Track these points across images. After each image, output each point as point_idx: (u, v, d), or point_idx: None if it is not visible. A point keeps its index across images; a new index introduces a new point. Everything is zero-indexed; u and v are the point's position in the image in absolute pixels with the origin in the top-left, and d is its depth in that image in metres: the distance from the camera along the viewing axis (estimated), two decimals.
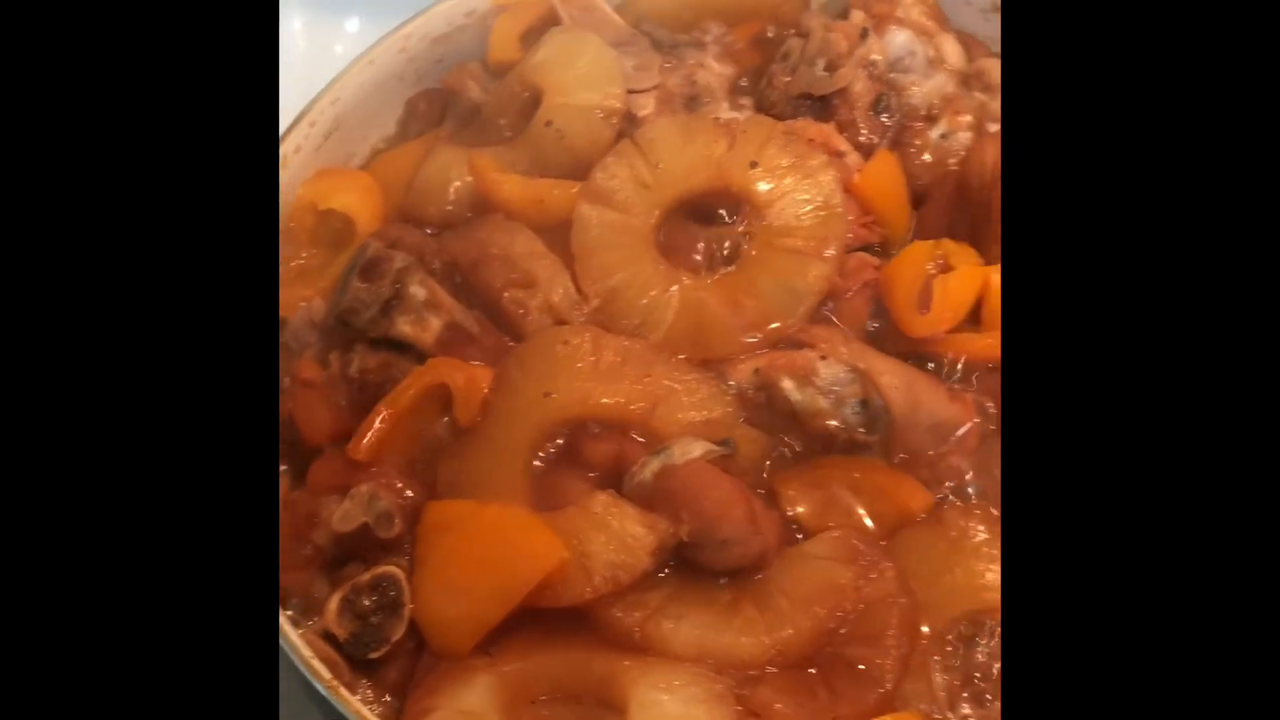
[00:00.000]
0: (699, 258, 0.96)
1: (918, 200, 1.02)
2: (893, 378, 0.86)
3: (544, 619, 0.81)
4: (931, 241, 0.92)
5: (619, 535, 0.80)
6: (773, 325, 0.91)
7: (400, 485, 0.87)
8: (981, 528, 0.81)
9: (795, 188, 0.94)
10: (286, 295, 1.00)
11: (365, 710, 0.76)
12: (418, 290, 0.92)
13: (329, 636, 0.82)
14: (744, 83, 1.12)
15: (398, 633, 0.81)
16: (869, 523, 0.85)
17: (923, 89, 1.06)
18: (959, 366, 0.91)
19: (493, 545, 0.80)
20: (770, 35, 1.16)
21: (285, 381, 0.95)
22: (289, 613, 0.82)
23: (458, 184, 1.02)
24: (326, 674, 0.76)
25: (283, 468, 0.94)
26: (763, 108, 1.09)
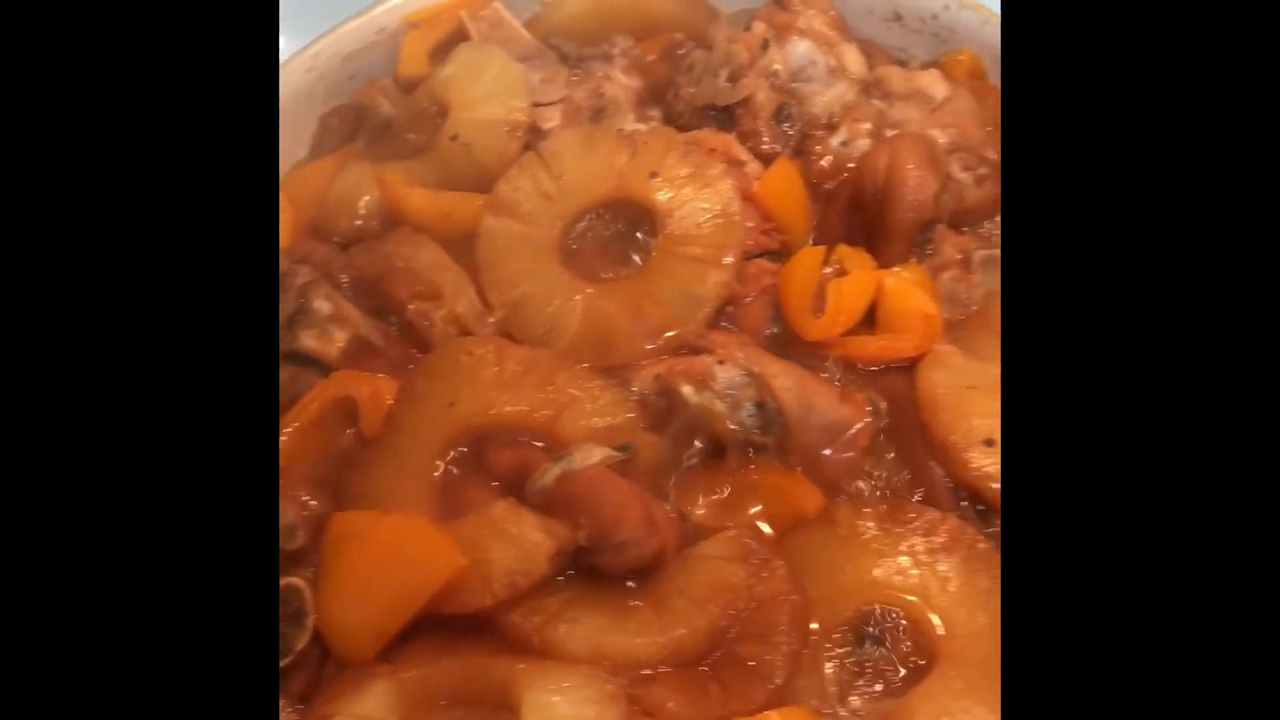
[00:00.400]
0: (603, 267, 0.99)
1: (820, 207, 1.04)
2: (786, 380, 0.88)
3: (446, 626, 0.82)
4: (823, 247, 0.95)
5: (517, 541, 0.81)
6: (673, 332, 0.93)
7: (305, 497, 0.88)
8: (871, 524, 0.83)
9: (694, 197, 0.96)
10: None
11: None
12: (322, 304, 0.93)
13: None
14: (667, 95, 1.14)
15: (301, 642, 0.82)
16: (763, 523, 0.86)
17: (824, 98, 1.08)
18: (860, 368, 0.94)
19: (392, 554, 0.81)
20: (679, 49, 1.18)
21: None
22: None
23: (368, 199, 1.04)
24: None
25: None
26: (670, 119, 1.11)
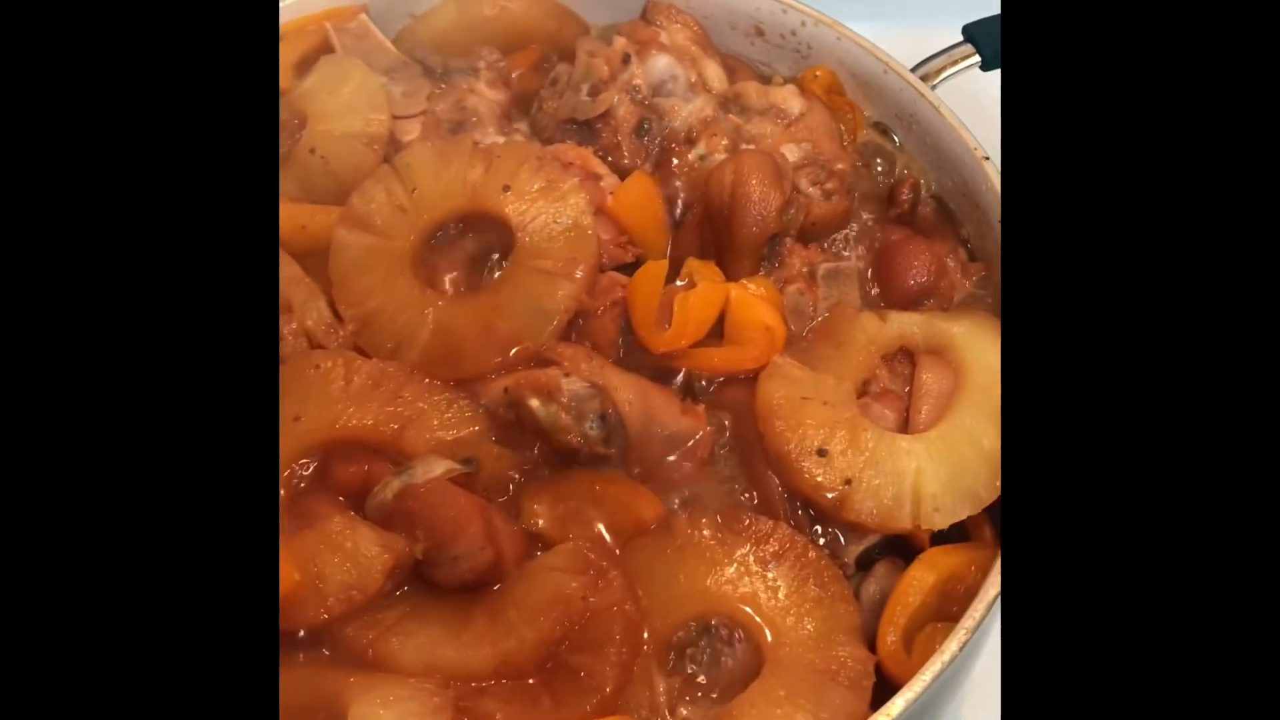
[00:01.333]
0: (460, 281, 0.99)
1: (678, 221, 1.06)
2: (627, 392, 0.89)
3: (282, 640, 0.82)
4: (664, 260, 0.96)
5: (353, 555, 0.82)
6: (521, 345, 0.94)
7: None
8: (706, 534, 0.85)
9: (546, 210, 0.97)
10: None
11: None
12: None
13: None
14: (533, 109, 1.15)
15: None
16: (605, 533, 0.87)
17: (683, 112, 1.09)
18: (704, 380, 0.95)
19: None
20: (545, 62, 1.19)
21: None
22: None
23: None
24: None
25: None
26: (536, 132, 1.12)
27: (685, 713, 0.80)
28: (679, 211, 1.06)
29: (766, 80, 1.17)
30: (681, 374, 0.96)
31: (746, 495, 0.90)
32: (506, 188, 0.98)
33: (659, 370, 0.95)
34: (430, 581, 0.84)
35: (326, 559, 0.82)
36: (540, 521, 0.88)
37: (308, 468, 0.90)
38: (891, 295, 1.00)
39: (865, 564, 0.88)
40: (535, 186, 0.98)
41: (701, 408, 0.91)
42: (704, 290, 0.95)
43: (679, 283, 0.98)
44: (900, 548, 0.88)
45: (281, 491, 0.88)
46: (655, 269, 0.95)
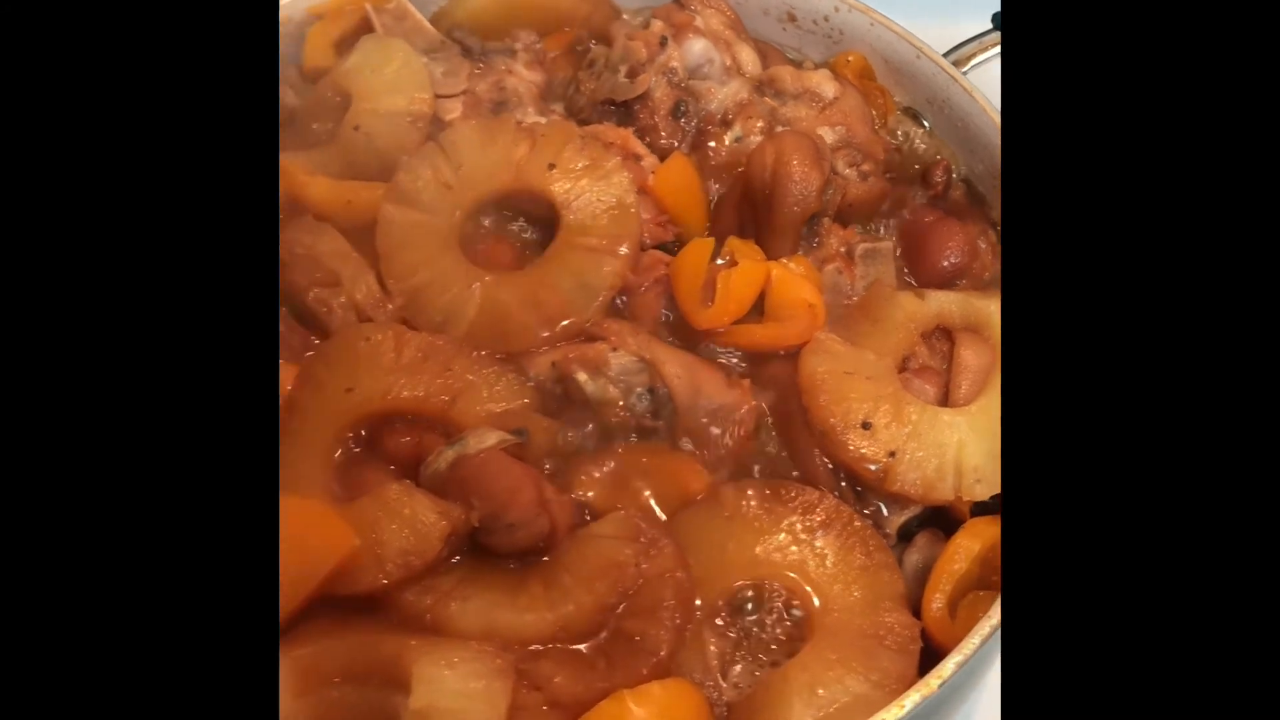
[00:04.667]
0: (504, 257, 1.01)
1: (715, 201, 1.08)
2: (675, 366, 0.91)
3: (340, 606, 0.84)
4: (712, 238, 0.98)
5: (411, 522, 0.83)
6: (568, 320, 0.96)
7: None
8: (754, 504, 0.87)
9: (591, 188, 0.99)
10: None
11: None
12: None
13: None
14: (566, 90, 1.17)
15: None
16: (654, 503, 0.89)
17: (719, 95, 1.11)
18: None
19: (287, 536, 0.82)
20: (582, 45, 1.21)
21: None
22: None
23: None
24: None
25: None
26: (571, 114, 1.13)
27: (736, 675, 0.82)
28: (715, 191, 1.08)
29: (797, 65, 1.18)
30: (718, 348, 0.98)
31: (789, 467, 0.92)
32: (551, 166, 1.00)
33: (698, 346, 0.97)
34: (485, 548, 0.86)
35: (385, 525, 0.84)
36: (590, 491, 0.90)
37: (359, 438, 0.92)
38: (923, 275, 1.03)
39: (905, 535, 0.90)
40: (580, 165, 1.00)
41: (747, 381, 0.93)
42: (746, 268, 0.97)
43: (719, 261, 1.00)
44: (939, 520, 0.91)
45: (334, 458, 0.90)
46: (701, 247, 0.97)
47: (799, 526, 0.86)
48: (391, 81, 1.06)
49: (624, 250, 0.97)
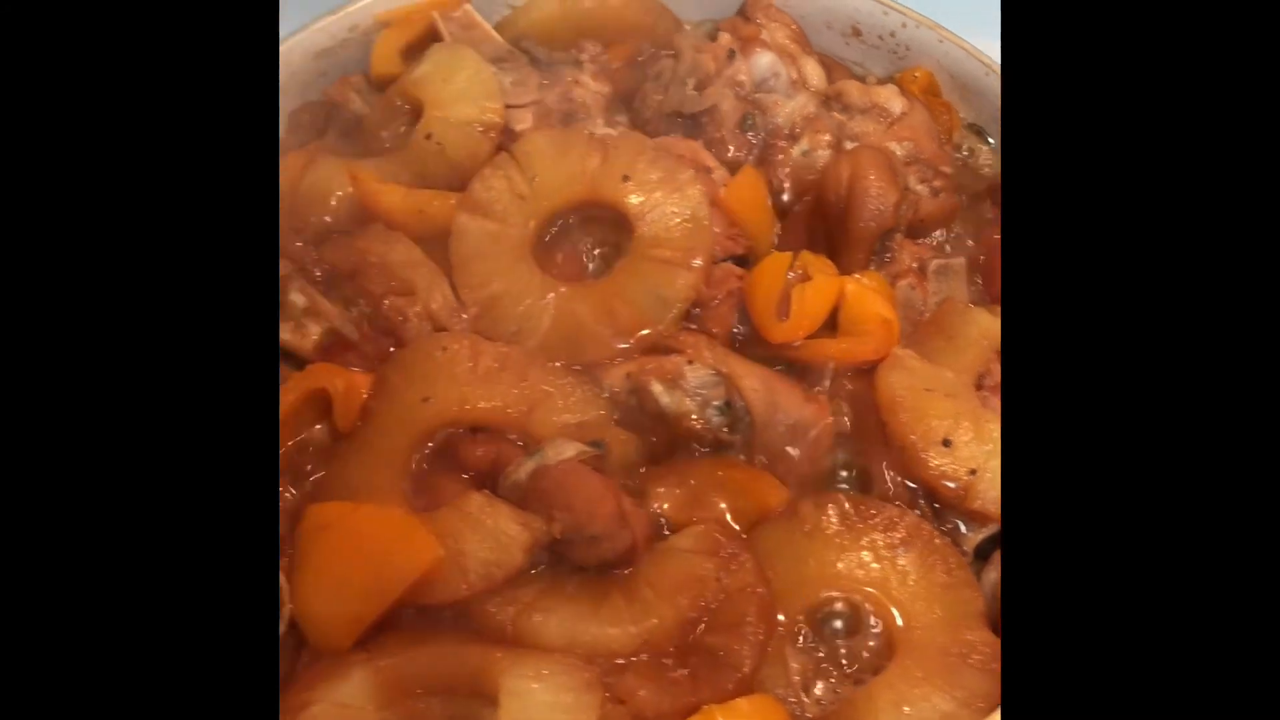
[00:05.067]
0: (576, 267, 1.01)
1: (782, 214, 1.08)
2: (753, 380, 0.91)
3: (421, 615, 0.84)
4: (789, 253, 0.98)
5: (493, 533, 0.83)
6: (643, 332, 0.96)
7: (280, 488, 0.89)
8: (834, 520, 0.87)
9: (665, 201, 0.99)
10: None
11: None
12: (297, 298, 0.94)
13: None
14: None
15: (279, 631, 0.83)
16: (730, 517, 0.89)
17: (786, 108, 1.11)
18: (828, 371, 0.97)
19: (370, 544, 0.83)
20: (644, 56, 1.21)
21: None
22: None
23: (339, 194, 1.04)
24: None
25: None
26: (637, 125, 1.13)
27: (819, 692, 0.82)
28: (783, 205, 1.09)
29: (860, 79, 1.19)
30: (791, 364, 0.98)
31: (863, 483, 0.92)
32: (626, 178, 1.00)
33: (770, 360, 0.97)
34: (565, 560, 0.86)
35: (467, 536, 0.84)
36: (665, 505, 0.90)
37: (434, 447, 0.92)
38: (998, 291, 1.03)
39: (981, 554, 0.90)
40: (654, 177, 1.00)
41: (824, 397, 0.93)
42: (820, 283, 0.97)
43: (790, 275, 1.00)
44: None
45: (410, 467, 0.90)
46: (778, 261, 0.97)
47: (880, 543, 0.86)
48: (462, 90, 1.06)
49: (697, 263, 0.97)
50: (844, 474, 0.93)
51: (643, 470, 0.93)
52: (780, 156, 1.09)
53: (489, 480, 0.90)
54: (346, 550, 0.83)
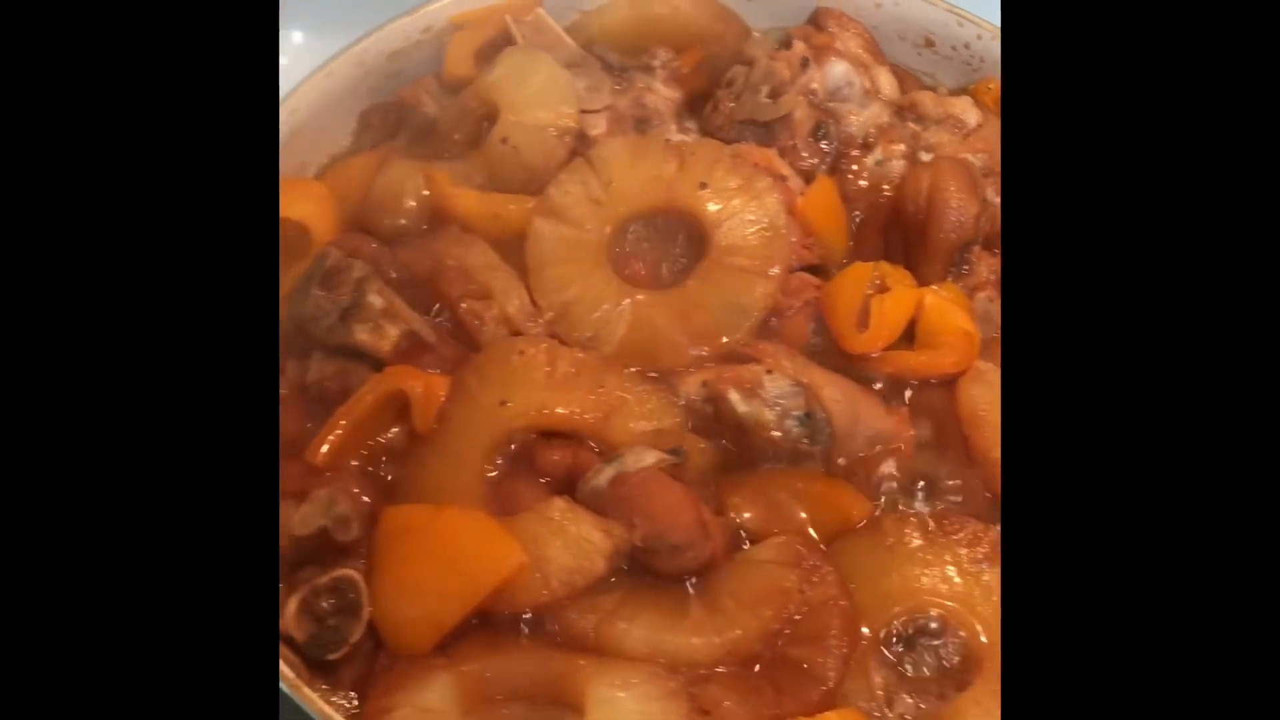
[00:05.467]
0: (649, 273, 1.01)
1: (855, 224, 1.07)
2: (835, 391, 0.91)
3: (499, 621, 0.84)
4: (870, 263, 0.97)
5: (575, 540, 0.83)
6: (720, 340, 0.95)
7: (357, 490, 0.89)
8: (916, 535, 0.86)
9: (743, 209, 0.99)
10: None
11: (329, 709, 0.77)
12: (376, 299, 0.94)
13: (285, 638, 0.83)
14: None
15: (357, 634, 0.83)
16: (811, 529, 0.89)
17: (859, 118, 1.11)
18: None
19: (452, 548, 0.83)
20: (712, 63, 1.20)
21: None
22: None
23: (412, 196, 1.04)
24: (290, 674, 0.78)
25: None
26: (707, 132, 1.13)
27: (902, 707, 0.82)
28: (856, 215, 1.08)
29: (932, 90, 1.18)
30: (875, 375, 0.97)
31: (949, 497, 0.91)
32: (703, 185, 1.00)
33: (848, 372, 0.97)
34: (645, 569, 0.85)
35: (549, 542, 0.83)
36: (745, 515, 0.89)
37: (510, 452, 0.91)
38: None
39: None
40: (732, 185, 1.00)
41: (904, 409, 0.92)
42: (899, 294, 0.96)
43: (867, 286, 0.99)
44: None
45: (487, 471, 0.89)
46: (860, 271, 0.96)
47: (964, 558, 0.85)
48: (537, 94, 1.06)
49: (775, 271, 0.97)
50: (924, 487, 0.92)
51: (718, 479, 0.92)
52: (854, 166, 1.09)
53: (565, 486, 0.89)
54: (429, 554, 0.83)
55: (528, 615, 0.83)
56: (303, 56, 1.48)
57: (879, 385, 0.96)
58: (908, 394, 0.95)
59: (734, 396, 0.92)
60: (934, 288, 0.98)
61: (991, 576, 0.84)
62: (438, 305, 0.98)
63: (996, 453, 0.88)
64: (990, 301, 1.00)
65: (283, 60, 1.49)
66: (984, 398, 0.91)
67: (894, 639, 0.84)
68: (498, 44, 1.14)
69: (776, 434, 0.91)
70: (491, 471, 0.90)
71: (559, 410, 0.91)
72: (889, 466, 0.91)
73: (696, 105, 1.16)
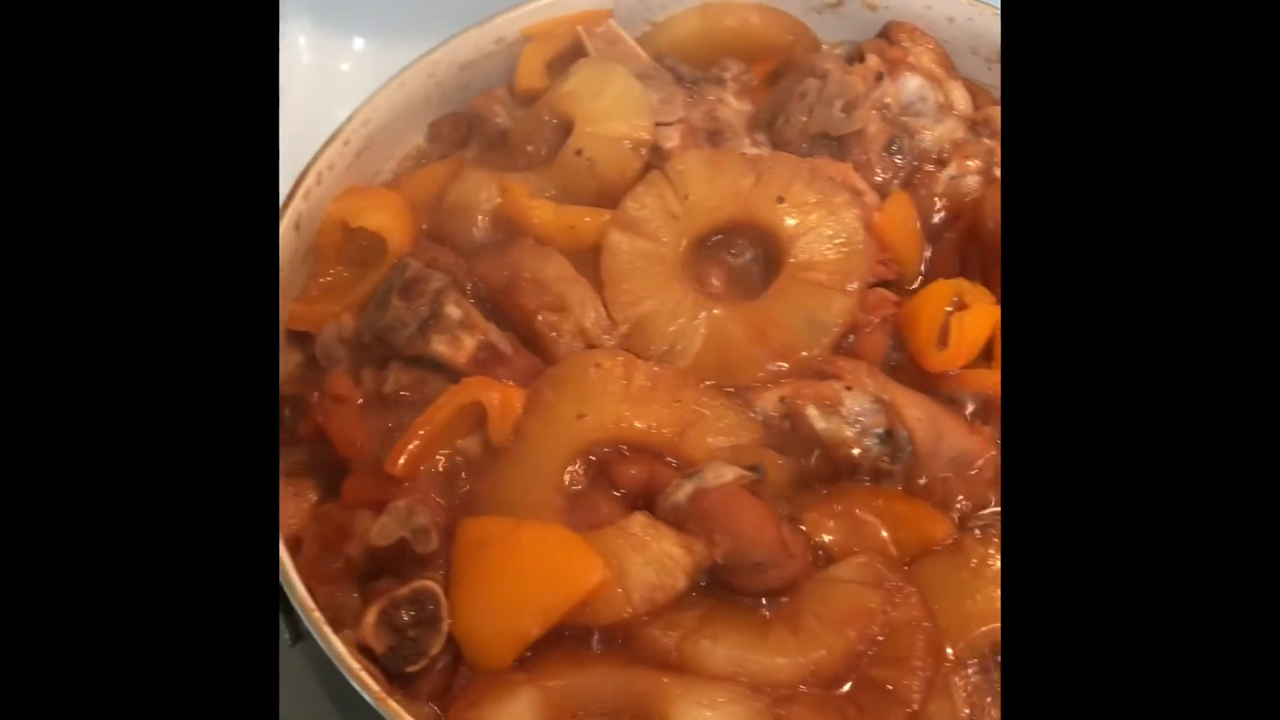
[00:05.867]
0: (725, 287, 1.00)
1: (929, 239, 1.07)
2: (917, 410, 0.90)
3: (578, 636, 0.83)
4: (953, 281, 0.96)
5: (657, 556, 0.83)
6: (798, 355, 0.95)
7: (435, 501, 0.89)
8: (998, 556, 0.85)
9: (821, 224, 0.98)
10: (314, 311, 1.02)
11: None
12: (453, 310, 0.94)
13: (364, 649, 0.83)
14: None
15: (436, 647, 0.82)
16: (892, 549, 0.88)
17: (934, 133, 1.10)
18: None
19: (534, 562, 0.82)
20: (781, 75, 1.20)
21: (315, 396, 0.96)
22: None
23: (486, 207, 1.04)
24: (375, 686, 0.78)
25: (311, 481, 0.95)
26: (778, 145, 1.12)
27: None
28: (931, 230, 1.07)
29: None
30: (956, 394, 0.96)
31: None
32: (781, 199, 0.99)
33: (926, 390, 0.96)
34: (727, 586, 0.85)
35: (630, 557, 0.83)
36: (826, 535, 0.89)
37: (586, 464, 0.91)
38: None
39: None
40: (810, 199, 0.99)
41: (988, 429, 0.91)
42: (979, 311, 0.95)
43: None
44: None
45: (564, 484, 0.89)
46: (942, 288, 0.95)
47: None
48: (613, 106, 1.06)
49: (853, 287, 0.96)
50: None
51: (795, 497, 0.91)
52: (928, 181, 1.08)
53: (641, 500, 0.89)
54: (510, 567, 0.82)
55: (608, 631, 0.83)
56: (364, 63, 1.50)
57: (971, 406, 0.94)
58: (994, 413, 0.93)
59: (812, 413, 0.91)
60: None
61: None
62: (512, 317, 0.97)
63: None
64: None
65: (344, 67, 1.52)
66: None
67: (977, 661, 0.83)
68: (569, 56, 1.14)
69: (856, 452, 0.90)
70: (569, 485, 0.90)
71: (636, 424, 0.90)
72: (970, 486, 0.90)
73: (766, 118, 1.16)
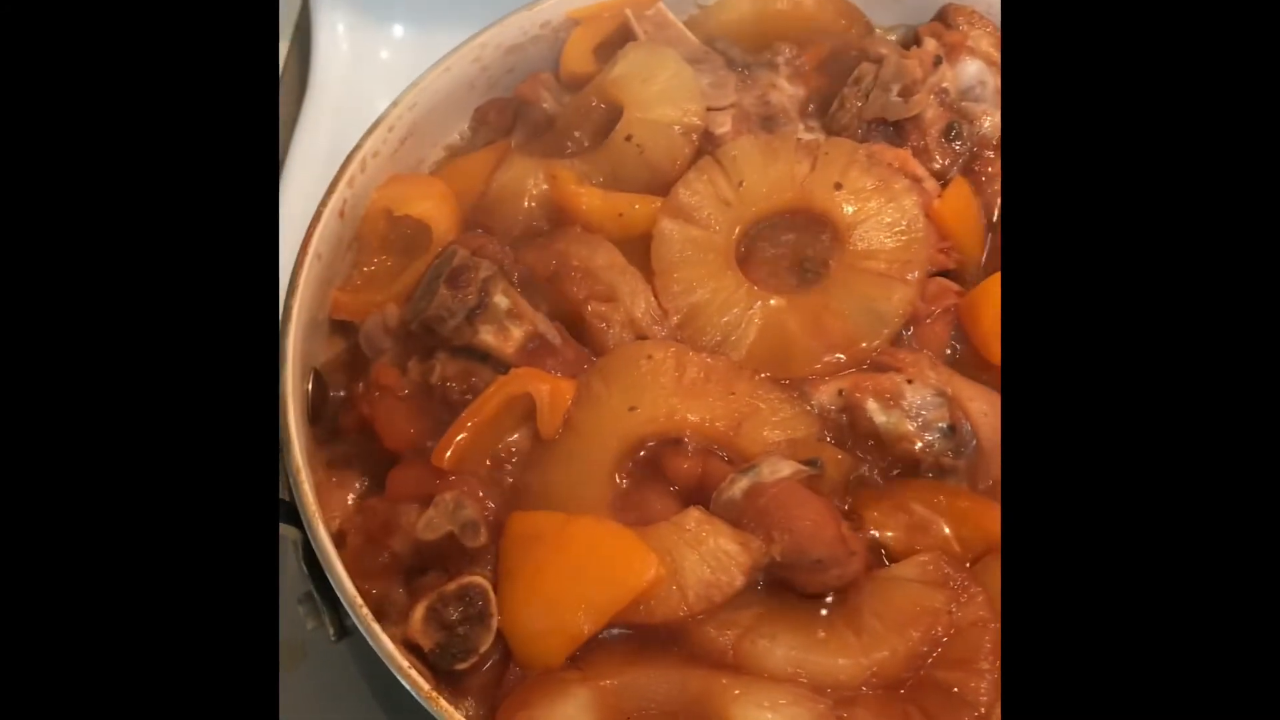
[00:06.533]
0: (778, 277, 0.97)
1: (991, 228, 1.03)
2: (982, 404, 0.87)
3: (631, 634, 0.81)
4: None
5: (713, 553, 0.80)
6: (856, 347, 0.92)
7: (483, 495, 0.87)
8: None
9: (879, 211, 0.95)
10: (358, 300, 1.00)
11: None
12: (501, 300, 0.91)
13: (411, 646, 0.81)
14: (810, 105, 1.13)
15: (485, 644, 0.80)
16: (955, 547, 0.85)
17: (993, 119, 1.07)
18: None
19: (587, 558, 0.80)
20: (835, 60, 1.16)
21: (359, 387, 0.94)
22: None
23: (533, 194, 1.02)
24: (425, 684, 0.76)
25: (355, 473, 0.93)
26: (833, 131, 1.09)
27: None
28: (992, 219, 1.04)
29: None
30: None
31: None
32: (838, 186, 0.96)
33: (989, 383, 0.93)
34: (785, 584, 0.82)
35: (685, 554, 0.80)
36: (887, 531, 0.86)
37: (637, 458, 0.88)
38: None
39: None
40: (868, 185, 0.96)
41: None
42: None
43: None
44: None
45: (615, 478, 0.87)
46: None
47: None
48: (663, 91, 1.03)
49: (914, 276, 0.93)
50: None
51: (854, 493, 0.88)
52: (989, 168, 1.05)
53: (692, 495, 0.86)
54: (562, 563, 0.80)
55: (662, 629, 0.80)
56: (403, 51, 1.48)
57: None
58: None
59: (872, 406, 0.88)
60: None
61: None
62: (562, 307, 0.95)
63: None
64: None
65: (383, 54, 1.50)
66: None
67: None
68: (617, 40, 1.11)
69: (917, 446, 0.87)
70: (619, 479, 0.87)
71: (690, 417, 0.87)
72: None
73: (819, 103, 1.13)
